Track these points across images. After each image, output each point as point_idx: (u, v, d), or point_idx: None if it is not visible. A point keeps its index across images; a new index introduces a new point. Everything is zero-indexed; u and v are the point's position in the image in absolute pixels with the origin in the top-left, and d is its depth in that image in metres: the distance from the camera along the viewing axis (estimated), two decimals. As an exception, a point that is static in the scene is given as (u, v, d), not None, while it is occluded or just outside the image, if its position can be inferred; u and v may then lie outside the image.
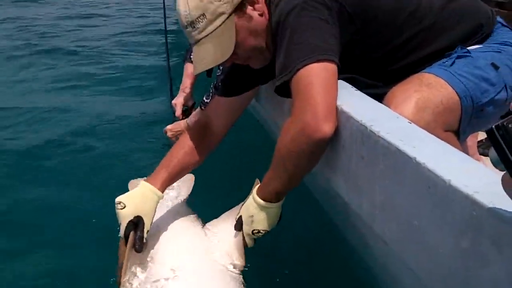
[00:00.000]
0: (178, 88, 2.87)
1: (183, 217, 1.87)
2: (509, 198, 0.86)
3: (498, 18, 1.70)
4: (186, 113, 2.76)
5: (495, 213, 0.84)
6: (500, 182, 0.91)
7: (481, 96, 1.47)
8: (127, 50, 5.82)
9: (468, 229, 0.91)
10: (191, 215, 1.91)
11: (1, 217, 2.41)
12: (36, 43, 6.16)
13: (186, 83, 2.77)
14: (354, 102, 1.40)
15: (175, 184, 2.08)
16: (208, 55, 1.52)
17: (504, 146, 0.64)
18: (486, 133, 0.66)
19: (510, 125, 0.63)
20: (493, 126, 0.64)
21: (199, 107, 2.60)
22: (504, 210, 0.83)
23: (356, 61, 1.59)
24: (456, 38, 1.59)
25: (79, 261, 2.09)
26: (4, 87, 4.47)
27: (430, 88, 1.42)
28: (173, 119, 2.83)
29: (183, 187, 2.10)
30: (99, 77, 4.78)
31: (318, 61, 1.36)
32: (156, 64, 5.06)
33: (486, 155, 2.30)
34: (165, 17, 3.54)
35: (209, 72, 2.80)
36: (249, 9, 1.52)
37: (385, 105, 1.42)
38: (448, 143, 1.38)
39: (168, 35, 3.51)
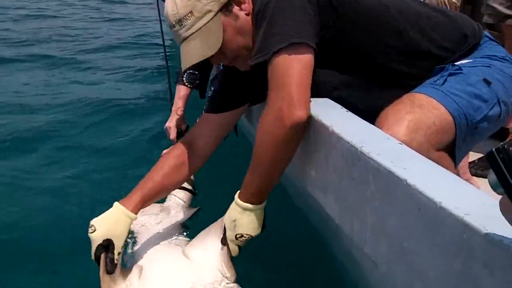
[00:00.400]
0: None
1: (169, 240, 1.85)
2: (500, 221, 0.85)
3: (486, 33, 1.71)
4: (179, 136, 2.73)
5: (486, 236, 0.83)
6: (495, 205, 0.91)
7: (475, 113, 1.47)
8: (124, 72, 5.80)
9: (459, 252, 0.90)
10: (180, 237, 1.89)
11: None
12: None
13: (178, 105, 2.73)
14: (345, 123, 1.40)
15: (178, 207, 2.10)
16: (195, 50, 1.55)
17: (505, 170, 0.61)
18: (486, 155, 0.64)
19: (511, 148, 0.61)
20: (494, 149, 0.62)
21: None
22: (495, 234, 0.82)
23: (337, 56, 1.59)
24: (440, 44, 1.60)
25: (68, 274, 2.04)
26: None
27: (422, 109, 1.42)
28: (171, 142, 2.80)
29: (182, 215, 2.09)
30: (96, 96, 4.75)
31: (293, 44, 1.40)
32: (156, 84, 5.05)
33: (478, 175, 2.30)
34: (164, 44, 3.52)
35: (202, 93, 2.81)
36: (235, 8, 1.55)
37: (377, 126, 1.41)
38: (441, 163, 1.38)
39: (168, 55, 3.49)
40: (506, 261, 0.80)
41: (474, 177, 2.17)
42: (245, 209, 1.52)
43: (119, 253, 1.62)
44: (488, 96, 1.50)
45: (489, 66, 1.57)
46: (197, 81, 2.69)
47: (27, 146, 3.40)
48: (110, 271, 1.59)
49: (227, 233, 1.58)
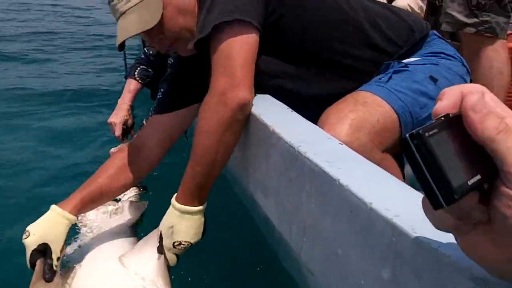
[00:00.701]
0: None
1: (112, 248, 1.71)
2: (429, 223, 0.78)
3: (434, 31, 1.68)
4: (125, 133, 2.61)
5: (414, 239, 0.76)
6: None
7: (420, 111, 1.42)
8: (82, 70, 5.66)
9: (388, 257, 0.83)
10: (125, 243, 1.76)
11: None
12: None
13: (126, 98, 2.60)
14: (287, 123, 1.33)
15: (125, 206, 1.99)
16: (132, 23, 1.48)
17: (420, 160, 0.50)
18: (402, 143, 0.54)
19: (427, 133, 0.49)
20: (408, 135, 0.50)
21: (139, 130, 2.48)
22: (424, 236, 0.75)
23: (280, 43, 1.53)
24: (387, 37, 1.56)
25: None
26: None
27: (366, 107, 1.36)
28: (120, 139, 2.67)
29: (133, 210, 1.97)
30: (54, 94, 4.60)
31: (236, 22, 1.35)
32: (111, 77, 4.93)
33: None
34: None
35: (154, 93, 2.71)
36: None
37: (319, 126, 1.34)
38: (384, 164, 1.33)
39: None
40: (434, 264, 0.72)
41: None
42: (183, 212, 1.41)
43: (58, 258, 1.49)
44: (434, 94, 1.45)
45: (436, 64, 1.53)
46: (149, 79, 2.60)
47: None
48: (48, 279, 1.45)
49: (164, 241, 1.46)
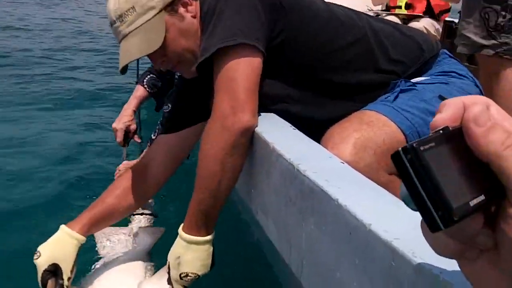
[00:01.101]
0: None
1: (128, 274, 1.66)
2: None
3: (445, 50, 1.62)
4: (127, 139, 2.57)
5: (414, 264, 0.70)
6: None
7: (429, 131, 1.35)
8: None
9: (388, 283, 0.77)
10: (140, 270, 1.70)
11: None
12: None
13: (131, 104, 2.57)
14: (288, 141, 1.28)
15: (141, 232, 1.95)
16: (134, 47, 1.45)
17: (414, 176, 0.44)
18: (391, 157, 0.48)
19: (422, 147, 0.44)
20: (400, 149, 0.44)
21: (147, 146, 2.45)
22: (425, 263, 0.69)
23: (284, 66, 1.49)
24: (395, 57, 1.51)
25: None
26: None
27: (371, 126, 1.30)
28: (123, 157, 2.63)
29: (148, 237, 1.93)
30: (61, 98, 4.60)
31: (241, 46, 1.31)
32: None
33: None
34: None
35: (159, 105, 2.69)
36: (181, 9, 1.46)
37: (322, 145, 1.29)
38: (391, 187, 1.26)
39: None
40: (435, 294, 0.66)
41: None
42: (190, 242, 1.35)
43: (68, 278, 1.47)
44: None
45: (446, 83, 1.47)
46: (156, 89, 2.58)
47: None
48: None
49: (171, 272, 1.40)
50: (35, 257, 1.46)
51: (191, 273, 1.37)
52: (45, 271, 1.45)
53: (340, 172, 1.07)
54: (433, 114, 1.36)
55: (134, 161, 2.46)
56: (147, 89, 2.60)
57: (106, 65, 6.02)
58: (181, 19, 1.46)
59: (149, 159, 1.71)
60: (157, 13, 1.43)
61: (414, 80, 1.47)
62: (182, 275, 1.37)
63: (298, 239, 1.12)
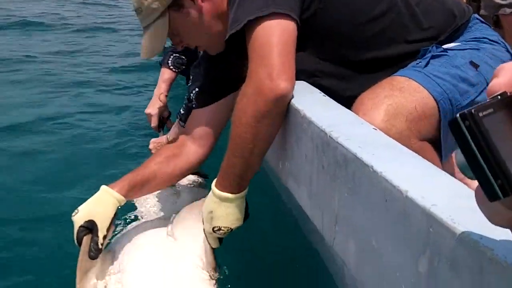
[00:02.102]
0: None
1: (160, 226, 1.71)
2: (471, 213, 0.72)
3: (476, 15, 1.58)
4: (161, 124, 2.60)
5: (453, 231, 0.70)
6: (469, 195, 0.76)
7: (461, 98, 1.33)
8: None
9: (425, 249, 0.77)
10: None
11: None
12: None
13: (161, 89, 2.58)
14: (318, 108, 1.27)
15: (188, 191, 2.02)
16: (146, 45, 1.54)
17: (472, 144, 0.43)
18: (449, 124, 0.46)
19: (481, 113, 0.43)
20: (458, 115, 0.44)
21: (176, 120, 2.46)
22: (464, 229, 0.69)
23: (315, 39, 1.48)
24: (428, 25, 1.47)
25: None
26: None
27: (402, 92, 1.28)
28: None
29: (189, 198, 1.96)
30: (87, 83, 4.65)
31: (273, 15, 1.28)
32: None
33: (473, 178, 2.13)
34: None
35: (188, 78, 2.68)
36: (187, 3, 1.48)
37: (353, 112, 1.28)
38: (423, 154, 1.25)
39: None
40: (475, 259, 0.66)
41: (468, 179, 2.02)
42: (222, 199, 1.38)
43: (104, 236, 1.48)
44: (476, 80, 1.36)
45: (477, 49, 1.43)
46: (183, 66, 2.57)
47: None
48: (92, 256, 1.45)
49: (204, 225, 1.45)
50: (73, 214, 1.50)
51: (224, 227, 1.40)
52: (80, 226, 1.47)
53: (373, 138, 1.07)
54: (464, 80, 1.35)
55: (163, 137, 2.48)
56: (174, 69, 2.59)
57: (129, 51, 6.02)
58: (187, 15, 1.49)
59: (186, 134, 1.74)
60: (159, 16, 1.48)
61: (445, 46, 1.44)
62: (215, 229, 1.41)
63: (331, 206, 1.12)
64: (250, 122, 1.28)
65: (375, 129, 1.12)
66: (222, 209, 1.38)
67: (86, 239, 1.46)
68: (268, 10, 1.28)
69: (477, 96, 1.35)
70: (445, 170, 1.42)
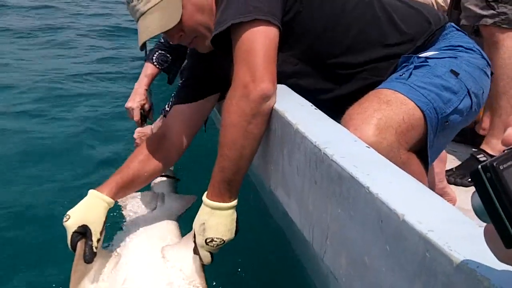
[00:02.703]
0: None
1: (155, 238, 1.73)
2: (467, 240, 0.75)
3: (452, 24, 1.64)
4: (143, 118, 2.59)
5: (450, 259, 0.73)
6: (464, 221, 0.80)
7: (445, 106, 1.39)
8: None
9: (421, 273, 0.80)
10: (168, 235, 1.77)
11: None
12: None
13: (142, 83, 2.57)
14: (311, 122, 1.29)
15: (174, 197, 2.03)
16: (153, 23, 1.50)
17: (492, 194, 0.46)
18: (471, 174, 0.49)
19: (501, 166, 0.45)
20: (480, 167, 0.47)
21: (161, 115, 2.46)
22: (461, 256, 0.72)
23: (293, 41, 1.52)
24: (403, 31, 1.53)
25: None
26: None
27: (390, 105, 1.32)
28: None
29: (179, 202, 2.00)
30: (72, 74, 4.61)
31: (256, 21, 1.35)
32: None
33: (457, 184, 2.20)
34: None
35: (171, 78, 2.68)
36: None
37: (343, 126, 1.30)
38: (411, 165, 1.30)
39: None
40: (472, 287, 0.69)
41: (451, 186, 2.08)
42: (214, 208, 1.41)
43: (98, 240, 1.50)
44: (457, 88, 1.42)
45: (455, 57, 1.49)
46: (167, 64, 2.57)
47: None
48: (88, 260, 1.47)
49: (197, 239, 1.46)
50: (64, 219, 1.50)
51: (216, 238, 1.42)
52: (74, 232, 1.48)
53: (367, 157, 1.09)
54: (447, 89, 1.40)
55: (148, 127, 2.49)
56: (157, 66, 2.59)
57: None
58: None
59: (166, 128, 1.77)
60: None
61: (424, 54, 1.49)
62: (207, 240, 1.42)
63: (322, 220, 1.14)
64: (238, 123, 1.34)
65: (368, 147, 1.15)
66: (214, 219, 1.41)
67: (80, 244, 1.48)
68: (251, 17, 1.34)
69: (459, 104, 1.41)
70: (428, 179, 1.48)
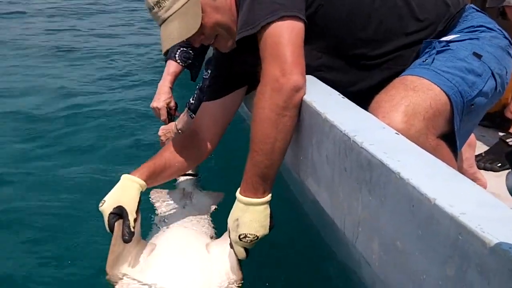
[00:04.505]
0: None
1: (192, 231, 1.77)
2: (499, 222, 0.77)
3: (472, 5, 1.63)
4: (169, 116, 2.62)
5: (482, 239, 0.74)
6: (495, 204, 0.81)
7: (470, 89, 1.39)
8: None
9: (453, 255, 0.81)
10: (203, 229, 1.81)
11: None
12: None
13: (166, 81, 2.58)
14: (339, 111, 1.31)
15: (203, 194, 2.08)
16: (174, 31, 1.52)
17: None
18: (506, 155, 0.52)
19: None
20: None
21: (186, 109, 2.49)
22: (494, 238, 0.73)
23: (319, 34, 1.53)
24: (422, 17, 1.53)
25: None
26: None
27: (416, 91, 1.32)
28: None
29: (208, 200, 2.05)
30: (94, 77, 4.68)
31: (282, 18, 1.36)
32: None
33: (486, 169, 2.19)
34: None
35: (194, 75, 2.71)
36: None
37: (372, 114, 1.32)
38: (439, 151, 1.30)
39: None
40: (505, 268, 0.71)
41: (481, 171, 2.07)
42: (247, 204, 1.41)
43: (135, 220, 1.53)
44: (481, 70, 1.42)
45: (477, 39, 1.48)
46: (190, 61, 2.59)
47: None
48: (126, 240, 1.49)
49: (231, 235, 1.47)
50: (100, 205, 1.55)
51: (249, 234, 1.42)
52: (110, 214, 1.52)
53: (396, 143, 1.11)
54: (471, 71, 1.40)
55: (171, 124, 2.52)
56: (180, 63, 2.61)
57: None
58: None
59: (196, 126, 1.81)
60: None
61: (445, 38, 1.49)
62: (241, 236, 1.42)
63: (353, 207, 1.16)
64: (270, 117, 1.34)
65: (397, 134, 1.16)
66: (248, 215, 1.41)
67: (118, 225, 1.51)
68: (279, 14, 1.35)
69: (484, 86, 1.41)
70: (458, 164, 1.48)
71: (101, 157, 2.93)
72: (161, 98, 2.57)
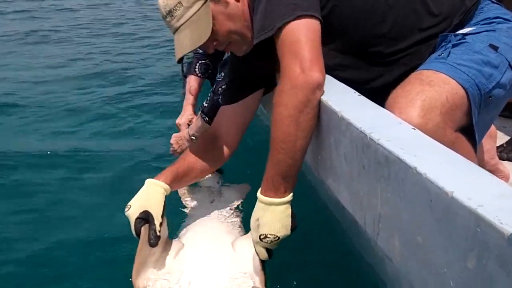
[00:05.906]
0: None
1: (218, 229, 1.79)
2: (517, 213, 0.76)
3: None
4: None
5: (501, 231, 0.74)
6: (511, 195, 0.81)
7: (487, 82, 1.38)
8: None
9: (473, 248, 0.82)
10: (231, 225, 1.84)
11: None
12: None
13: (190, 100, 2.70)
14: (355, 108, 1.31)
15: (229, 188, 2.11)
16: (186, 40, 1.54)
17: None
18: None
19: None
20: None
21: (199, 113, 2.53)
22: (511, 227, 0.73)
23: (334, 34, 1.54)
24: (437, 12, 1.53)
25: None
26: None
27: (432, 86, 1.32)
28: None
29: (235, 193, 2.08)
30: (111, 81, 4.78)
31: (299, 17, 1.36)
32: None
33: (510, 160, 2.17)
34: None
35: (213, 84, 2.76)
36: None
37: (388, 110, 1.32)
38: (458, 145, 1.30)
39: None
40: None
41: (503, 162, 2.05)
42: (267, 203, 1.40)
43: (160, 224, 1.55)
44: (498, 61, 1.40)
45: (493, 30, 1.47)
46: (210, 71, 2.64)
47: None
48: (153, 244, 1.50)
49: (252, 235, 1.47)
50: (126, 209, 1.57)
51: (270, 234, 1.41)
52: (137, 219, 1.54)
53: (413, 139, 1.11)
54: (487, 64, 1.39)
55: (184, 131, 2.57)
56: (200, 76, 2.68)
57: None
58: (226, 5, 1.53)
59: (216, 129, 1.84)
60: (203, 4, 1.50)
61: (461, 31, 1.48)
62: (261, 237, 1.42)
63: (373, 204, 1.17)
64: (291, 114, 1.34)
65: (414, 129, 1.16)
66: (268, 215, 1.41)
67: (144, 229, 1.52)
68: (295, 14, 1.36)
69: (501, 77, 1.40)
70: (479, 156, 1.47)
71: (119, 164, 2.99)
72: (184, 115, 2.69)
